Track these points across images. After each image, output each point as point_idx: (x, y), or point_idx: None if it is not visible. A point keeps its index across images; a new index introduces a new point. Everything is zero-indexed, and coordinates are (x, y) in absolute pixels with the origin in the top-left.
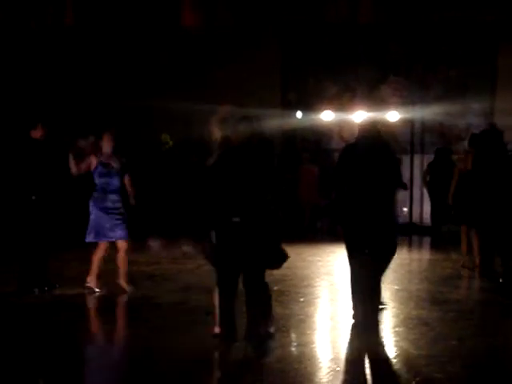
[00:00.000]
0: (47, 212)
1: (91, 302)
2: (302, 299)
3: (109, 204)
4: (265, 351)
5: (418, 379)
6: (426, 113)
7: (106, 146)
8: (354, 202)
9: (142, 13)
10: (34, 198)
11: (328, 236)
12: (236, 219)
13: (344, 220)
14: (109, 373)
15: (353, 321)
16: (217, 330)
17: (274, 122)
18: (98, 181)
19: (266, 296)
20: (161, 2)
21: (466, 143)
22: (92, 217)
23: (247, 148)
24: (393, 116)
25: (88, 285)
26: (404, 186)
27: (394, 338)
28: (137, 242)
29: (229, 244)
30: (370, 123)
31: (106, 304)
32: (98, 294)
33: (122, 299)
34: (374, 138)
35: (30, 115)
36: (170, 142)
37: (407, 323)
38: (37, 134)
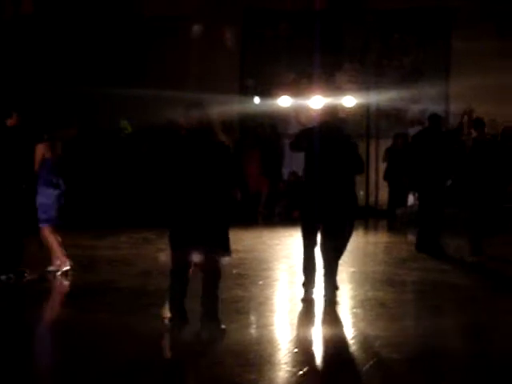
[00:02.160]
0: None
1: (50, 287)
2: (260, 282)
3: None
4: (222, 333)
5: (375, 360)
6: (381, 98)
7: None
8: (311, 182)
9: (107, 2)
10: (24, 186)
11: (286, 220)
12: (196, 204)
13: (301, 200)
14: (67, 356)
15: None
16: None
17: (232, 107)
18: None
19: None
20: None
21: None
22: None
23: (200, 134)
24: (348, 101)
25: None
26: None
27: (352, 320)
28: (97, 229)
29: (187, 228)
30: (328, 109)
31: (66, 288)
32: (57, 278)
33: (82, 283)
34: (332, 123)
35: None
36: (129, 129)
37: (364, 304)
38: (12, 122)
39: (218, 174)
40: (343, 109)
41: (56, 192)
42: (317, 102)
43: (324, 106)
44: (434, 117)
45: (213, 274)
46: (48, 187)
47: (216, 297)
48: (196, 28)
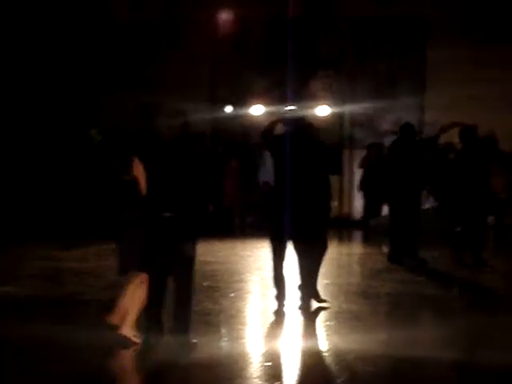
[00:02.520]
0: None
1: (15, 299)
2: (232, 294)
3: None
4: (193, 347)
5: (349, 373)
6: (356, 107)
7: None
8: (281, 193)
9: (72, 6)
10: None
11: (258, 231)
12: (167, 214)
13: (270, 211)
14: (28, 369)
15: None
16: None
17: (204, 116)
18: None
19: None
20: None
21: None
22: None
23: (179, 142)
24: (323, 110)
25: None
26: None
27: (325, 332)
28: (66, 240)
29: (159, 240)
30: (297, 117)
31: (32, 301)
32: (21, 290)
33: (49, 296)
34: (301, 131)
35: None
36: (99, 137)
37: (338, 317)
38: None
39: (193, 184)
40: (315, 118)
41: None
42: (289, 110)
43: (293, 114)
44: (406, 126)
45: (186, 286)
46: None
47: (190, 309)
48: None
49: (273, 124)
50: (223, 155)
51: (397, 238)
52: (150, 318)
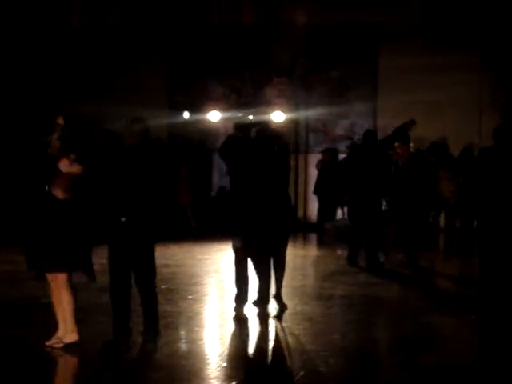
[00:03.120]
0: None
1: None
2: (190, 297)
3: None
4: (152, 348)
5: (302, 373)
6: (310, 113)
7: None
8: (242, 197)
9: (31, 13)
10: None
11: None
12: (123, 219)
13: (231, 216)
14: None
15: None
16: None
17: (161, 122)
18: None
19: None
20: (48, 2)
21: (349, 142)
22: None
23: (139, 148)
24: (278, 116)
25: None
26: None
27: (280, 333)
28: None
29: (117, 244)
30: (246, 123)
31: None
32: None
33: (6, 299)
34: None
35: None
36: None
37: (292, 318)
38: None
39: (149, 189)
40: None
41: None
42: (245, 116)
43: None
44: (368, 132)
45: (149, 288)
46: None
47: (157, 311)
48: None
49: (229, 140)
50: (180, 160)
51: (355, 241)
52: (118, 324)
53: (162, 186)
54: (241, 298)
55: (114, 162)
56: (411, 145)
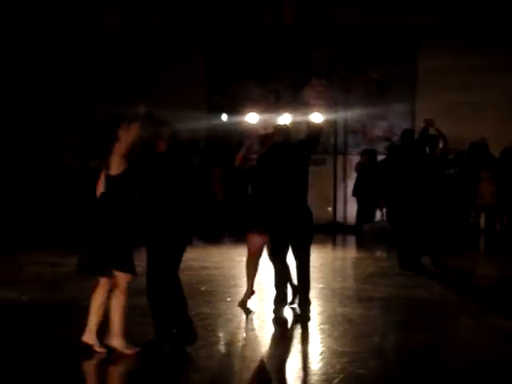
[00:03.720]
0: None
1: (14, 304)
2: (228, 299)
3: None
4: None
5: (342, 376)
6: (349, 114)
7: None
8: (278, 201)
9: (66, 15)
10: None
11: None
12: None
13: (270, 218)
14: (30, 375)
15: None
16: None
17: (200, 124)
18: None
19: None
20: (85, 5)
21: (387, 143)
22: None
23: (168, 153)
24: (316, 118)
25: None
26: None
27: (319, 335)
28: (64, 246)
29: (155, 245)
30: (281, 126)
31: (30, 306)
32: (19, 296)
33: (47, 302)
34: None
35: None
36: None
37: (331, 320)
38: None
39: (182, 192)
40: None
41: None
42: (284, 118)
43: (276, 126)
44: (406, 132)
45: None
46: None
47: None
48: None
49: (243, 157)
50: (211, 160)
51: (402, 243)
52: (161, 328)
53: (194, 189)
54: (280, 300)
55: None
56: (440, 146)
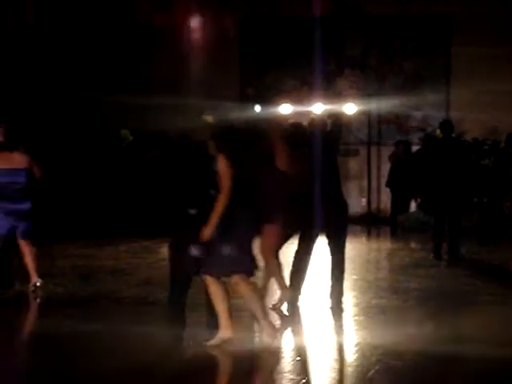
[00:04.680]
0: None
1: (49, 297)
2: None
3: None
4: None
5: (377, 368)
6: (383, 105)
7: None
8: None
9: (99, 6)
10: None
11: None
12: (192, 211)
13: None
14: (66, 367)
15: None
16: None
17: (233, 115)
18: None
19: None
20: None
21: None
22: None
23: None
24: (350, 108)
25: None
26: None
27: (354, 327)
28: (98, 238)
29: (185, 236)
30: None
31: (65, 298)
32: (54, 288)
33: (81, 294)
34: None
35: None
36: (130, 138)
37: (367, 312)
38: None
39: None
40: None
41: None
42: (318, 108)
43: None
44: (445, 123)
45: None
46: None
47: None
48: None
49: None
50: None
51: (436, 234)
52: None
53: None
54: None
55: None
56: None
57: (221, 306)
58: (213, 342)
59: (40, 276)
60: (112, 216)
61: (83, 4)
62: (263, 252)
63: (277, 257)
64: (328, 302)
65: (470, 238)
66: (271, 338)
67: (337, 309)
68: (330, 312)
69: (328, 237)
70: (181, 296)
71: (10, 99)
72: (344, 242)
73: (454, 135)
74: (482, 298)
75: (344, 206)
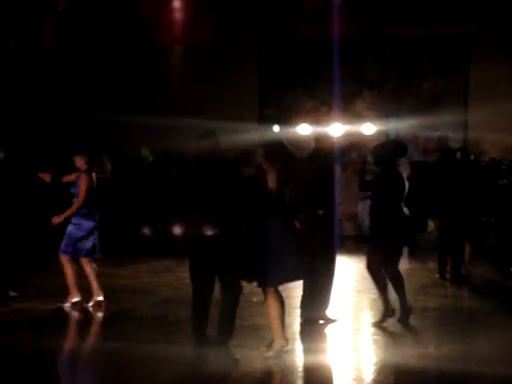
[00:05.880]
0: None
1: (69, 316)
2: None
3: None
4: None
5: None
6: (401, 125)
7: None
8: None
9: (118, 29)
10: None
11: None
12: (210, 232)
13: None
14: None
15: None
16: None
17: (252, 136)
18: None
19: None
20: (136, 20)
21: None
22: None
23: (209, 163)
24: (368, 129)
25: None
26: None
27: (373, 346)
28: (116, 257)
29: (204, 256)
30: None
31: (85, 318)
32: (77, 308)
33: (101, 313)
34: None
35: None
36: (150, 157)
37: (384, 331)
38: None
39: (228, 202)
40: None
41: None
42: (336, 129)
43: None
44: (465, 148)
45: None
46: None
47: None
48: (215, 57)
49: None
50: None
51: (442, 254)
52: (196, 332)
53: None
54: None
55: (185, 178)
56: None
57: (277, 317)
58: (271, 353)
59: (62, 295)
60: (132, 235)
61: (102, 25)
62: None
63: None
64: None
65: (488, 258)
66: (278, 349)
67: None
68: (349, 330)
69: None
70: (203, 313)
71: (31, 119)
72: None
73: (472, 157)
74: (499, 318)
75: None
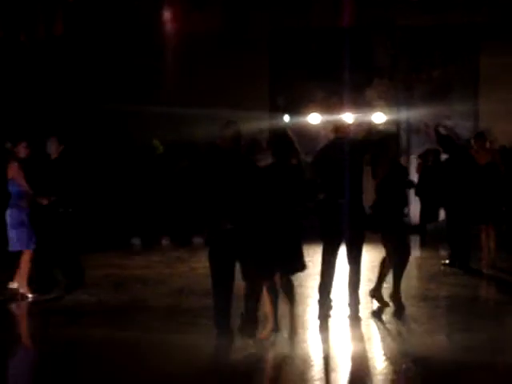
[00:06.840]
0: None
1: (83, 306)
2: None
3: None
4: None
5: (407, 375)
6: (411, 114)
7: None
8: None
9: (128, 19)
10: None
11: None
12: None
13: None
14: (99, 374)
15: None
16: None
17: (263, 125)
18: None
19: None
20: (146, 8)
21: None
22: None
23: (232, 153)
24: (379, 118)
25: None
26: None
27: (384, 335)
28: (129, 248)
29: (225, 246)
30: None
31: (98, 308)
32: (88, 297)
33: (114, 303)
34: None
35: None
36: (161, 148)
37: (396, 320)
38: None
39: (249, 191)
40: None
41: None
42: (347, 117)
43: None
44: (480, 135)
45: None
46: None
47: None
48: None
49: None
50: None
51: (454, 243)
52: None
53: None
54: (326, 300)
55: (209, 167)
56: None
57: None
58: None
59: (72, 286)
60: (144, 226)
61: (112, 15)
62: None
63: None
64: (347, 311)
65: (501, 246)
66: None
67: (355, 318)
68: (355, 320)
69: (346, 246)
70: (225, 303)
71: (42, 111)
72: (360, 251)
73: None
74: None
75: (361, 215)
